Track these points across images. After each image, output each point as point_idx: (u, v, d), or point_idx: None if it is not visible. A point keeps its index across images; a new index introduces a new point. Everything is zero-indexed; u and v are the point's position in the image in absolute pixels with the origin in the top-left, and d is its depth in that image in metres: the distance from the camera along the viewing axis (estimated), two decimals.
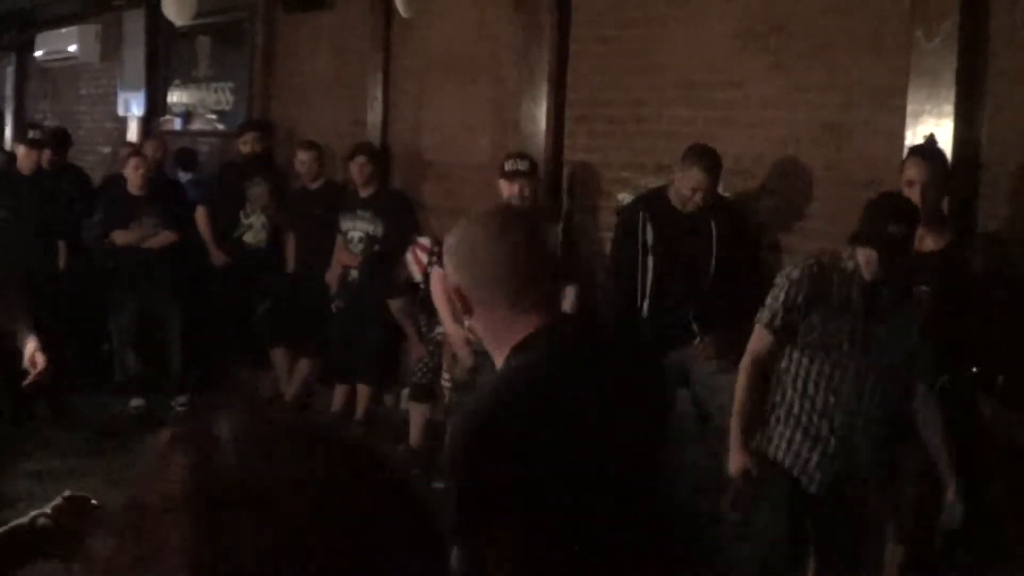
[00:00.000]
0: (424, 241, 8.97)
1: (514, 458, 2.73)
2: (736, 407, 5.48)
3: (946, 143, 6.24)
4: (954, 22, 6.25)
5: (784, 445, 5.36)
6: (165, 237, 10.37)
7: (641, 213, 7.20)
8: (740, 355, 5.60)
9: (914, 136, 6.35)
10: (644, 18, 8.17)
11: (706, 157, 6.95)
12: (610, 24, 8.42)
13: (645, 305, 7.14)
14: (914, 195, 5.71)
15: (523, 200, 7.71)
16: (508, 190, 7.76)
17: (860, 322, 5.18)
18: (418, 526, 1.12)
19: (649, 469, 3.17)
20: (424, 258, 8.83)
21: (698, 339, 7.01)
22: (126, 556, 1.02)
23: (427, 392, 8.75)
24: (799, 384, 5.29)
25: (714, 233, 6.99)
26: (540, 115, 8.73)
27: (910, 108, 6.41)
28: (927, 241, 5.89)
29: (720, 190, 7.17)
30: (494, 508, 2.73)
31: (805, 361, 5.26)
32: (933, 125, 6.30)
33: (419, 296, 8.87)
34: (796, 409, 5.32)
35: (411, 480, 1.17)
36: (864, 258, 5.12)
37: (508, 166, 7.87)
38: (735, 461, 5.41)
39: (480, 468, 2.75)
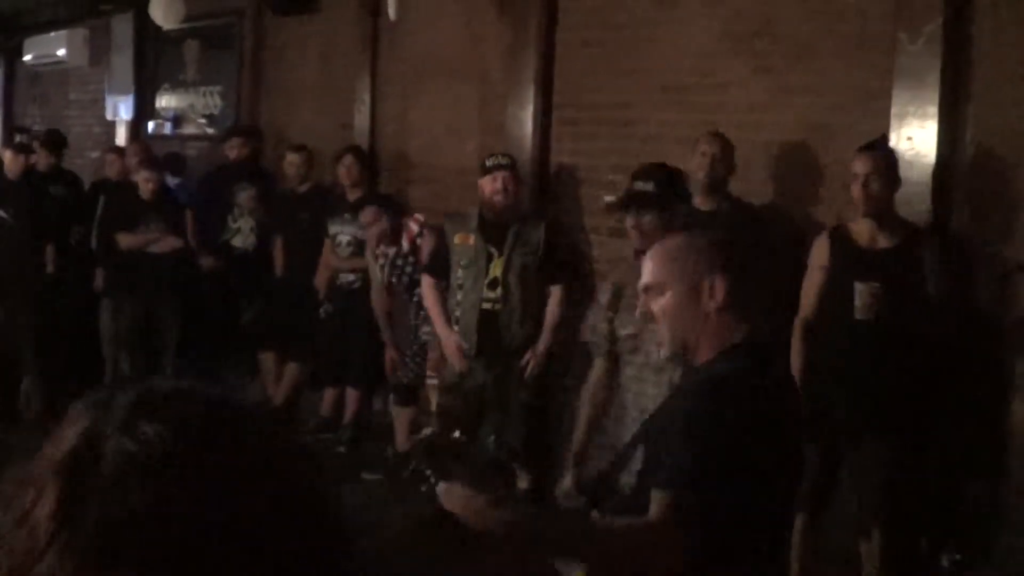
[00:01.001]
0: (419, 216, 8.94)
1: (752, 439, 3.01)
2: None
3: (930, 145, 6.28)
4: (938, 24, 6.27)
5: None
6: (170, 243, 10.43)
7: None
8: None
9: (899, 138, 6.38)
10: (630, 21, 8.18)
11: (711, 132, 7.05)
12: (596, 27, 8.43)
13: None
14: (857, 188, 5.97)
15: (506, 196, 7.66)
16: (490, 186, 7.70)
17: None
18: (295, 502, 1.10)
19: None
20: (415, 229, 8.80)
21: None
22: (6, 522, 1.04)
23: (411, 394, 8.76)
24: None
25: (721, 230, 6.83)
26: (526, 118, 8.73)
27: (894, 110, 6.43)
28: (879, 239, 6.06)
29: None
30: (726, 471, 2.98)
31: None
32: (917, 127, 6.33)
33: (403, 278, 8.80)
34: None
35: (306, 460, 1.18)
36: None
37: (489, 162, 7.83)
38: None
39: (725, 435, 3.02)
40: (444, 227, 8.12)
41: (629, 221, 5.52)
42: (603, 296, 5.60)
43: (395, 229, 8.75)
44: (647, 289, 3.36)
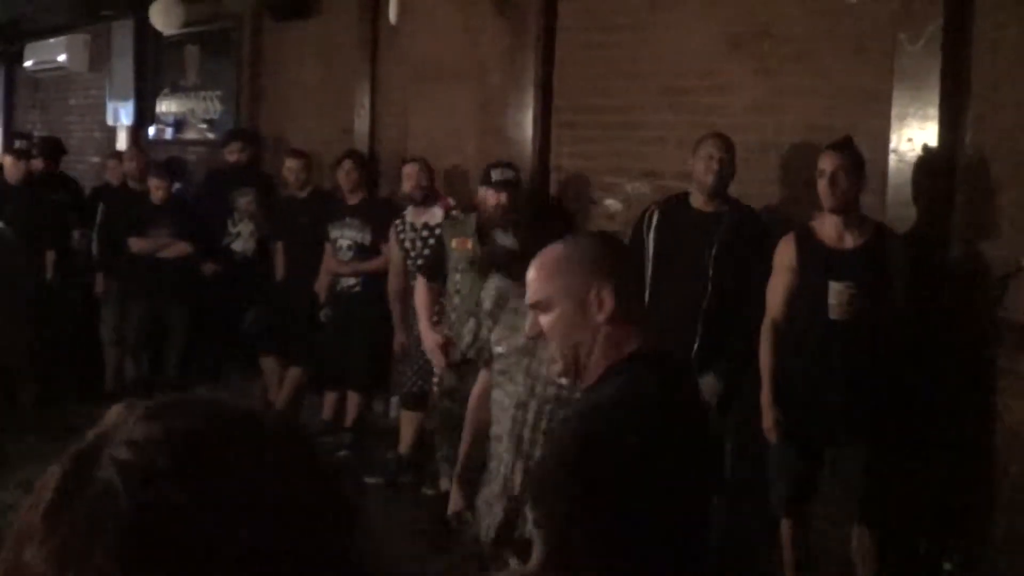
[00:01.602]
0: (451, 200, 8.94)
1: (626, 470, 2.84)
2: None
3: (931, 146, 6.27)
4: (938, 25, 6.26)
5: None
6: (180, 248, 10.48)
7: (649, 214, 7.09)
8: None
9: (899, 139, 6.37)
10: (630, 23, 8.18)
11: (715, 135, 6.99)
12: (596, 29, 8.42)
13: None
14: (824, 185, 6.04)
15: (507, 212, 7.62)
16: (494, 199, 7.67)
17: None
18: (308, 507, 1.11)
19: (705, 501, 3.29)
20: (451, 202, 8.86)
21: (706, 375, 6.66)
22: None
23: (419, 400, 8.74)
24: None
25: (718, 231, 6.76)
26: (526, 121, 8.72)
27: (895, 111, 6.42)
28: (846, 238, 6.09)
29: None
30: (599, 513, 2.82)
31: None
32: (917, 128, 6.32)
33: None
34: None
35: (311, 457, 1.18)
36: None
37: (495, 175, 7.75)
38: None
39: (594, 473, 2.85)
40: (443, 229, 8.11)
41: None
42: (487, 301, 5.41)
43: (428, 195, 8.83)
44: (534, 306, 3.24)
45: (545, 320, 3.20)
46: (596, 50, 8.43)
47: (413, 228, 8.80)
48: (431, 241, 8.55)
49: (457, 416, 7.77)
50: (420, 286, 8.09)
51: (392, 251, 9.01)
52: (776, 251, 6.30)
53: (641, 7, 8.10)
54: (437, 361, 7.83)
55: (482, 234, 7.65)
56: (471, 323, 5.40)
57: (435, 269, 7.96)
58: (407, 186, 8.85)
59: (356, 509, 1.19)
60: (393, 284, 9.01)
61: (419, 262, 8.59)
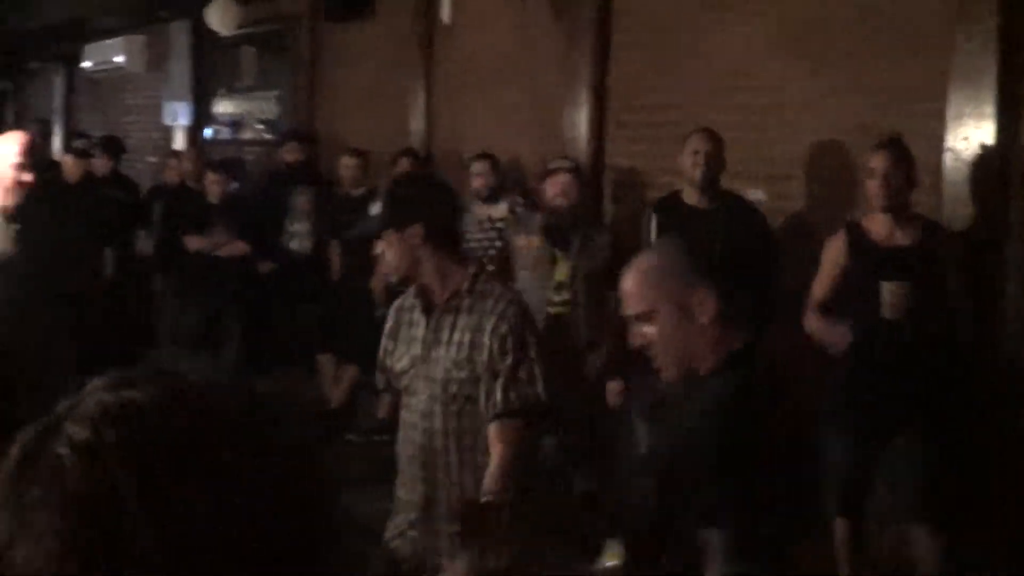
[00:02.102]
0: (518, 198, 8.97)
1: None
2: None
3: (987, 144, 6.23)
4: (994, 23, 6.22)
5: None
6: (238, 247, 10.56)
7: (647, 217, 7.14)
8: None
9: (955, 138, 6.33)
10: (683, 23, 8.18)
11: (701, 129, 7.07)
12: (649, 29, 8.43)
13: None
14: (875, 184, 6.01)
15: (567, 198, 7.65)
16: (552, 188, 7.70)
17: None
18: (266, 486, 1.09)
19: None
20: (518, 199, 8.88)
21: None
22: None
23: None
24: None
25: (720, 227, 6.70)
26: (581, 121, 8.73)
27: (950, 110, 6.38)
28: (897, 236, 6.05)
29: (753, 196, 7.17)
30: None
31: None
32: (973, 127, 6.28)
33: None
34: None
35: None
36: None
37: (551, 165, 7.83)
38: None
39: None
40: (508, 229, 8.14)
41: None
42: (390, 320, 4.98)
43: (495, 190, 8.83)
44: (636, 318, 3.30)
45: (650, 330, 3.26)
46: (649, 49, 8.43)
47: (477, 220, 8.78)
48: (492, 234, 8.60)
49: None
50: None
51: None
52: (825, 247, 6.29)
53: (694, 6, 8.11)
54: None
55: (548, 231, 7.68)
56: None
57: (501, 267, 7.97)
58: (476, 183, 8.86)
59: (320, 489, 1.16)
60: None
61: (480, 254, 8.55)
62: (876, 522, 6.24)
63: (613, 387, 7.38)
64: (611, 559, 7.31)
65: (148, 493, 1.00)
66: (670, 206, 7.09)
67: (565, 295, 7.57)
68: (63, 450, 1.03)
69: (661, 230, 6.93)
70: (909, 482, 6.02)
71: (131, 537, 0.99)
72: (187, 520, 1.01)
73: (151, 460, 1.03)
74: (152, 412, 1.06)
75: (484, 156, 8.97)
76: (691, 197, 6.99)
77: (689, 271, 3.26)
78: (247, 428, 1.12)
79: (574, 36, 8.83)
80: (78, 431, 1.04)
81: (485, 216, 8.75)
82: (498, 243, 8.56)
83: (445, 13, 8.98)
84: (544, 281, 7.63)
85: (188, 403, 1.10)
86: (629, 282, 3.32)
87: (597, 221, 8.02)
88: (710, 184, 6.98)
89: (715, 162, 6.97)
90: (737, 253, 6.60)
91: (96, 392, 1.09)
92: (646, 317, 3.26)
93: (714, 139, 7.03)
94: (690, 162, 6.96)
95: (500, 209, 8.76)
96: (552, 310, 7.58)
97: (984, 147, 6.24)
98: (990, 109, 6.24)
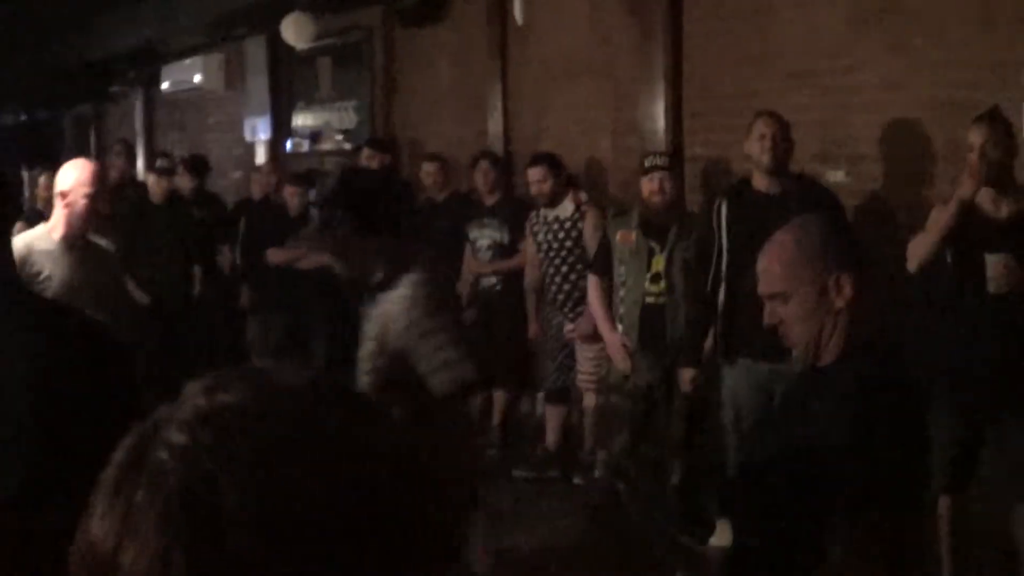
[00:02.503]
0: (583, 194, 9.01)
1: None
2: None
3: None
4: None
5: None
6: (318, 259, 10.64)
7: (717, 205, 7.08)
8: None
9: None
10: (755, 8, 8.16)
11: (766, 112, 7.02)
12: (721, 16, 8.42)
13: (719, 303, 6.99)
14: (974, 158, 5.87)
15: (663, 196, 7.69)
16: (648, 186, 7.74)
17: None
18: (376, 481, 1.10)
19: None
20: (582, 197, 8.94)
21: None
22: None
23: (563, 394, 8.86)
24: None
25: (790, 212, 6.64)
26: (658, 113, 8.74)
27: None
28: (1002, 207, 5.96)
29: (833, 178, 7.15)
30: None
31: None
32: None
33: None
34: None
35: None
36: None
37: (647, 162, 7.85)
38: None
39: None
40: (607, 226, 8.19)
41: None
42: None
43: (557, 192, 8.85)
44: (771, 297, 3.29)
45: (784, 310, 3.26)
46: (722, 37, 8.43)
47: (545, 221, 8.90)
48: (560, 235, 8.77)
49: (622, 410, 7.85)
50: (592, 285, 8.18)
51: (528, 245, 9.16)
52: (931, 215, 6.22)
53: None
54: (620, 360, 7.87)
55: (645, 225, 7.74)
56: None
57: (605, 265, 8.03)
58: (533, 190, 8.94)
59: (425, 484, 1.16)
60: (528, 276, 9.21)
61: (551, 255, 8.82)
62: (981, 499, 6.19)
63: (687, 374, 7.37)
64: (722, 539, 7.32)
65: (245, 494, 1.03)
66: (740, 193, 7.06)
67: (662, 285, 7.63)
68: (163, 454, 1.06)
69: (731, 218, 6.91)
70: (1015, 459, 5.95)
71: (231, 538, 1.01)
72: (284, 519, 1.03)
73: (247, 461, 1.05)
74: (247, 414, 1.09)
75: (537, 161, 8.96)
76: (760, 183, 6.93)
77: (830, 253, 3.23)
78: (341, 429, 1.12)
79: (648, 29, 8.83)
80: (176, 435, 1.07)
81: (552, 217, 8.84)
82: (568, 243, 8.76)
83: (518, 14, 9.00)
84: (641, 273, 7.71)
85: (283, 404, 1.12)
86: (767, 260, 3.32)
87: (690, 212, 8.01)
88: (779, 168, 6.91)
89: (782, 145, 6.90)
90: None
91: (192, 396, 1.12)
92: (783, 297, 3.26)
93: (780, 122, 6.94)
94: (757, 147, 6.90)
95: (566, 208, 8.85)
96: (649, 300, 7.70)
97: None
98: None
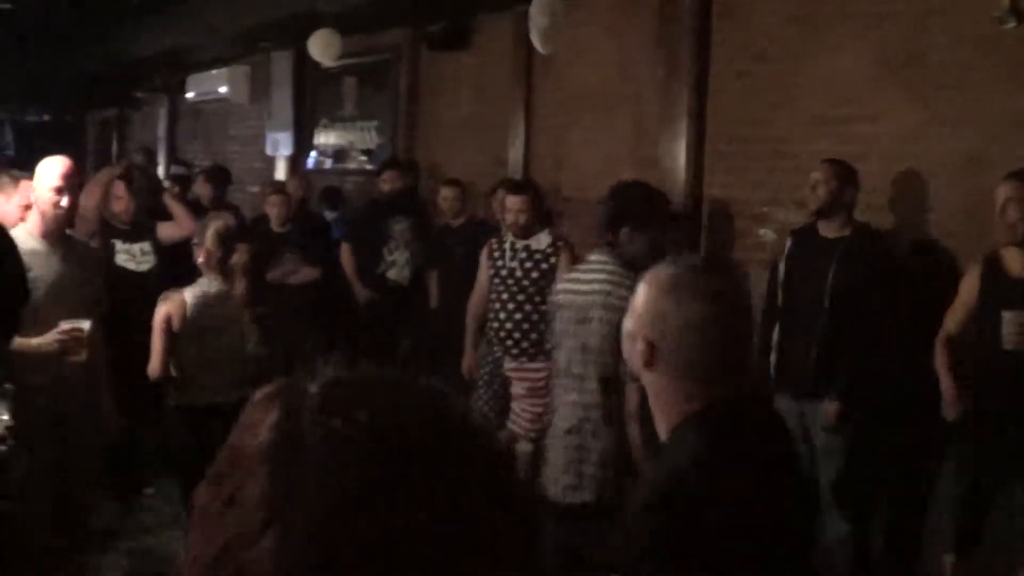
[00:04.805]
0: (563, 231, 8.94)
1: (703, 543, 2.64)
2: None
3: None
4: None
5: None
6: (306, 273, 10.62)
7: (785, 243, 7.30)
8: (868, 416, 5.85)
9: None
10: (781, 53, 8.17)
11: (825, 161, 7.10)
12: (748, 59, 8.42)
13: (774, 339, 7.11)
14: (1004, 217, 5.99)
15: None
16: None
17: None
18: (497, 486, 1.12)
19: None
20: (562, 231, 8.86)
21: (828, 398, 6.74)
22: (215, 503, 1.08)
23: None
24: None
25: (836, 255, 6.87)
26: (679, 150, 8.74)
27: None
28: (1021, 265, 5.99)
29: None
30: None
31: None
32: None
33: None
34: None
35: (492, 437, 1.19)
36: None
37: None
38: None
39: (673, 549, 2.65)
40: None
41: None
42: None
43: (532, 223, 8.51)
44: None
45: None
46: (748, 79, 8.43)
47: (512, 249, 8.53)
48: (528, 265, 8.42)
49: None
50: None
51: (480, 273, 8.87)
52: (963, 278, 6.26)
53: (793, 36, 8.10)
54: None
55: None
56: None
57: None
58: (509, 218, 8.61)
59: (531, 505, 1.18)
60: (474, 307, 8.95)
61: (510, 284, 8.46)
62: (986, 556, 6.15)
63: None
64: None
65: (413, 489, 1.04)
66: (805, 234, 7.19)
67: None
68: (319, 442, 1.06)
69: (789, 256, 7.11)
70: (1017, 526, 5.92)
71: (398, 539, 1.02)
72: (405, 517, 1.04)
73: (394, 470, 1.06)
74: (399, 429, 1.09)
75: (520, 189, 8.80)
76: (824, 227, 7.04)
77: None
78: (474, 441, 1.15)
79: (673, 65, 8.85)
80: (336, 425, 1.07)
81: (522, 246, 8.52)
82: (534, 275, 8.40)
83: (538, 43, 8.95)
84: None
85: (432, 421, 1.14)
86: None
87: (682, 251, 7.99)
88: (832, 214, 6.99)
89: (836, 193, 6.97)
90: (852, 281, 6.65)
91: (342, 388, 1.14)
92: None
93: (834, 171, 7.02)
94: (810, 194, 7.01)
95: (541, 240, 8.51)
96: None
97: None
98: None
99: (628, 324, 2.94)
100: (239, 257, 7.78)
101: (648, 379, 2.90)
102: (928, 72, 7.18)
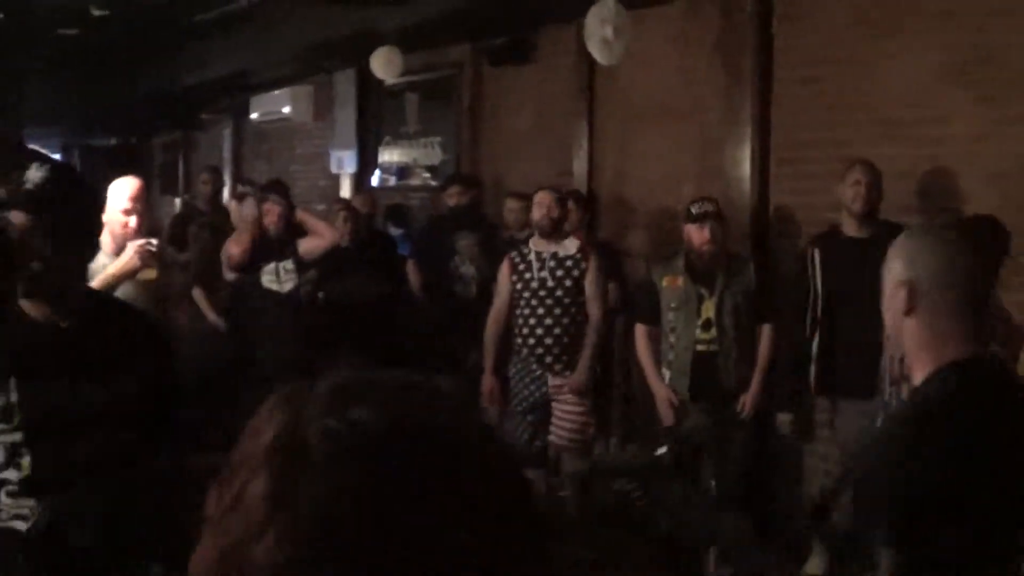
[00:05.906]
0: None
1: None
2: None
3: None
4: None
5: None
6: (372, 291, 10.66)
7: (810, 253, 7.34)
8: None
9: None
10: (846, 57, 8.12)
11: (860, 161, 7.20)
12: (811, 64, 8.38)
13: (815, 345, 7.08)
14: None
15: (714, 245, 7.63)
16: (698, 236, 7.65)
17: None
18: (502, 489, 1.12)
19: None
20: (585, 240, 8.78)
21: (888, 393, 6.65)
22: (219, 507, 1.09)
23: (540, 457, 8.49)
24: None
25: (879, 255, 6.69)
26: (744, 159, 8.71)
27: None
28: None
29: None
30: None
31: None
32: None
33: None
34: None
35: (499, 440, 1.18)
36: None
37: (695, 209, 7.73)
38: None
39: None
40: (650, 271, 8.09)
41: None
42: None
43: (559, 221, 8.46)
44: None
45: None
46: (812, 85, 8.38)
47: (540, 259, 8.39)
48: (560, 273, 8.27)
49: (671, 457, 7.69)
50: (640, 334, 8.01)
51: (501, 287, 8.70)
52: None
53: (857, 39, 8.04)
54: (667, 416, 7.76)
55: (692, 269, 7.67)
56: None
57: (653, 313, 7.92)
58: (537, 214, 8.47)
59: (537, 508, 1.16)
60: (491, 326, 8.79)
61: (543, 296, 8.30)
62: None
63: (786, 418, 7.48)
64: (814, 566, 7.31)
65: (416, 487, 1.04)
66: (830, 240, 7.22)
67: (713, 332, 7.56)
68: (320, 444, 1.06)
69: (825, 263, 7.04)
70: None
71: (400, 537, 1.02)
72: (417, 523, 1.03)
73: (414, 454, 1.06)
74: (405, 429, 1.09)
75: (550, 188, 8.79)
76: (850, 228, 7.13)
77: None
78: (486, 446, 1.14)
79: (736, 74, 8.81)
80: (335, 425, 1.07)
81: (550, 253, 8.39)
82: (567, 283, 8.29)
83: (597, 54, 8.89)
84: (691, 319, 7.61)
85: (428, 399, 1.14)
86: None
87: (739, 256, 7.95)
88: (869, 214, 7.10)
89: (875, 193, 7.11)
90: None
91: (343, 393, 1.12)
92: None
93: (874, 170, 7.15)
94: (851, 192, 7.11)
95: (568, 247, 8.42)
96: (700, 348, 7.59)
97: None
98: None
99: (889, 276, 3.13)
100: None
101: (908, 326, 3.06)
102: (995, 73, 7.12)
